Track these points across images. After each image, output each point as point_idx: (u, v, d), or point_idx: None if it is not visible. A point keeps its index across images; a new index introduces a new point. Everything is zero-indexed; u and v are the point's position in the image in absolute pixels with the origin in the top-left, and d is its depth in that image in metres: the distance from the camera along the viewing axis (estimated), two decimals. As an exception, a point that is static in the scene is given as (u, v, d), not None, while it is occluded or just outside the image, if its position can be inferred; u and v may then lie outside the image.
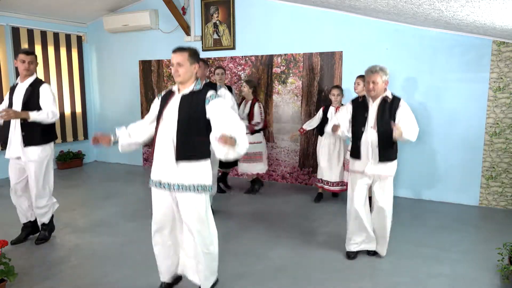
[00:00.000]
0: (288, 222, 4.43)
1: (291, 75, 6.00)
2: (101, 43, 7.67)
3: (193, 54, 2.58)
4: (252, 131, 5.09)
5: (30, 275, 3.19)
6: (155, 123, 2.72)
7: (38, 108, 3.57)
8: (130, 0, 6.95)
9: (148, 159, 7.42)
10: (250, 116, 5.16)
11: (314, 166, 5.65)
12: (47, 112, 3.55)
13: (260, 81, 6.23)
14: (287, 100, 6.09)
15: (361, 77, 4.52)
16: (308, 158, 6.01)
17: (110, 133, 2.81)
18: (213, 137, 2.43)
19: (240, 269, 3.29)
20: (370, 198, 3.56)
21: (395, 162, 3.39)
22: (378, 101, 3.32)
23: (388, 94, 3.33)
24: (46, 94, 3.62)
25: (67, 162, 7.20)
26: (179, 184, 2.55)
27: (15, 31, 6.49)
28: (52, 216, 3.91)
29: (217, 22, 6.42)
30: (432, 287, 3.05)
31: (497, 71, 4.83)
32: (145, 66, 7.24)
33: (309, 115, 5.79)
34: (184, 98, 2.57)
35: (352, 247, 3.54)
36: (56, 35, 7.13)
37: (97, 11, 7.14)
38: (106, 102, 7.80)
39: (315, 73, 5.84)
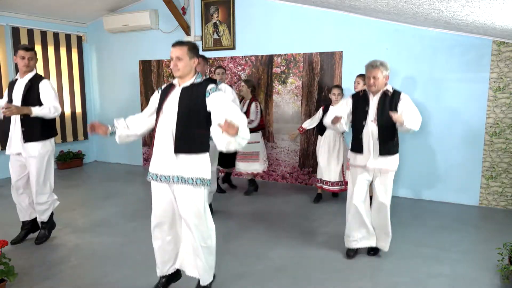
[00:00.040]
0: (288, 222, 4.43)
1: (291, 75, 6.00)
2: (101, 43, 7.67)
3: (193, 48, 2.58)
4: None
5: (30, 275, 3.19)
6: (154, 116, 2.73)
7: (37, 103, 3.56)
8: (130, 0, 6.95)
9: (148, 159, 7.42)
10: (246, 114, 5.17)
11: (314, 166, 5.65)
12: (49, 107, 3.55)
13: (260, 81, 6.23)
14: (287, 100, 6.09)
15: (361, 76, 4.52)
16: (308, 158, 6.01)
17: (108, 124, 2.81)
18: (216, 124, 2.40)
19: (240, 269, 3.29)
20: (370, 197, 3.56)
21: (396, 156, 3.38)
22: (378, 95, 3.33)
23: (389, 88, 3.33)
24: (47, 89, 3.62)
25: (67, 162, 7.20)
26: (178, 176, 2.55)
27: (15, 31, 6.49)
28: (52, 214, 3.90)
29: (217, 22, 6.42)
30: (432, 287, 3.04)
31: (497, 71, 4.83)
32: (145, 66, 7.24)
33: (309, 115, 5.79)
34: (184, 90, 2.58)
35: (351, 244, 3.54)
36: (56, 35, 7.13)
37: (97, 11, 7.15)
38: (106, 102, 7.80)
39: (315, 73, 5.84)
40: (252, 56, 6.24)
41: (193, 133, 2.54)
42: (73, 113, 7.52)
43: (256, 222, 4.41)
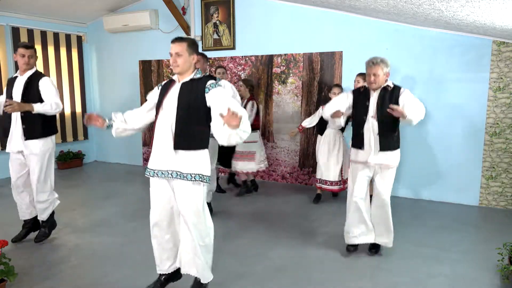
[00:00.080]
0: (288, 222, 4.43)
1: (291, 75, 6.00)
2: (101, 43, 7.67)
3: (192, 45, 2.58)
4: None
5: (30, 275, 3.18)
6: (152, 112, 2.72)
7: (37, 100, 3.56)
8: (130, 0, 6.95)
9: (148, 159, 7.42)
10: None
11: (314, 166, 5.64)
12: (50, 103, 3.55)
13: (260, 81, 6.23)
14: (287, 100, 6.09)
15: (361, 75, 4.52)
16: (308, 158, 6.01)
17: (105, 118, 2.80)
18: (216, 119, 2.39)
19: (240, 269, 3.29)
20: (370, 196, 3.57)
21: (397, 152, 3.38)
22: (379, 90, 3.34)
23: (389, 83, 3.34)
24: (48, 86, 3.61)
25: (67, 162, 7.20)
26: (177, 172, 2.54)
27: (15, 31, 6.49)
28: (53, 213, 3.89)
29: (217, 22, 6.42)
30: (432, 287, 3.04)
31: (497, 71, 4.83)
32: (145, 66, 7.24)
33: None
34: (184, 86, 2.57)
35: (351, 240, 3.56)
36: (56, 35, 7.13)
37: (97, 11, 7.15)
38: (106, 102, 7.80)
39: (315, 73, 5.84)
40: (252, 56, 6.24)
41: (192, 129, 2.53)
42: (73, 113, 7.52)
43: (256, 222, 4.41)
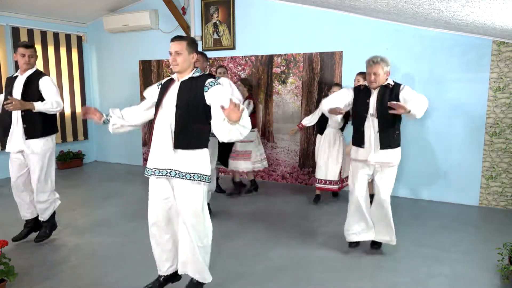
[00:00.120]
0: (288, 222, 4.43)
1: (291, 75, 6.00)
2: (101, 43, 7.67)
3: (192, 43, 2.58)
4: None
5: (30, 275, 3.18)
6: (150, 111, 2.72)
7: (37, 99, 3.55)
8: (130, 0, 6.95)
9: (148, 158, 7.41)
10: None
11: (314, 166, 5.63)
12: (51, 102, 3.53)
13: (260, 81, 6.23)
14: (287, 100, 6.09)
15: (361, 73, 4.52)
16: (308, 158, 6.01)
17: (103, 113, 2.80)
18: (215, 118, 2.38)
19: (240, 269, 3.29)
20: (371, 196, 3.57)
21: (398, 150, 3.38)
22: (379, 88, 3.33)
23: (390, 82, 3.34)
24: (48, 85, 3.60)
25: (67, 162, 7.20)
26: (176, 171, 2.54)
27: (15, 31, 6.49)
28: (54, 213, 3.88)
29: (217, 22, 6.42)
30: (432, 287, 3.04)
31: (497, 71, 4.83)
32: (145, 66, 7.24)
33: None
34: (183, 84, 2.57)
35: (351, 237, 3.60)
36: (56, 35, 7.13)
37: (97, 11, 7.15)
38: (106, 102, 7.80)
39: (315, 73, 5.84)
40: (252, 56, 6.24)
41: (192, 127, 2.53)
42: (73, 113, 7.52)
43: (256, 222, 4.41)
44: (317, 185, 5.03)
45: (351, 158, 3.58)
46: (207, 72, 3.95)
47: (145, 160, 7.45)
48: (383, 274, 3.24)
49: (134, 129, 2.90)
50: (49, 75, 3.79)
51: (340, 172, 4.99)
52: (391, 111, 3.08)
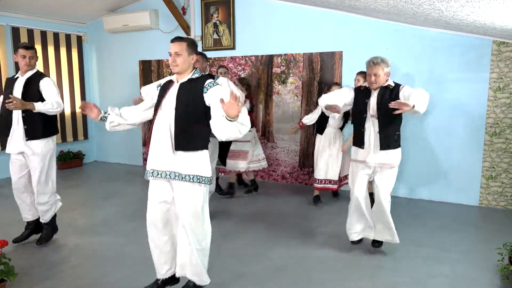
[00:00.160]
0: (288, 222, 4.43)
1: (291, 75, 6.00)
2: (101, 43, 7.67)
3: (191, 45, 2.57)
4: None
5: (30, 275, 3.18)
6: (149, 111, 2.71)
7: (37, 100, 3.54)
8: (130, 0, 6.95)
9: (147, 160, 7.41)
10: None
11: (313, 166, 5.64)
12: (51, 102, 3.52)
13: (260, 81, 6.24)
14: (287, 100, 6.09)
15: (361, 73, 4.52)
16: (308, 158, 6.00)
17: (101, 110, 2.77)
18: (217, 111, 2.35)
19: (240, 269, 3.29)
20: (371, 194, 3.58)
21: (398, 151, 3.38)
22: (379, 89, 3.33)
23: (390, 83, 3.33)
24: (49, 86, 3.59)
25: (67, 162, 7.20)
26: (175, 173, 2.53)
27: (15, 31, 6.49)
28: (55, 216, 3.87)
29: (217, 22, 6.42)
30: (432, 287, 3.05)
31: (497, 71, 4.83)
32: (145, 66, 7.24)
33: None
34: (182, 86, 2.56)
35: (353, 236, 3.64)
36: (56, 35, 7.13)
37: (97, 11, 7.15)
38: (106, 102, 7.79)
39: (315, 73, 5.84)
40: (252, 56, 6.24)
41: (191, 129, 2.51)
42: (73, 113, 7.52)
43: (256, 222, 4.41)
44: (317, 185, 5.01)
45: (351, 158, 3.59)
46: (207, 73, 3.93)
47: (145, 160, 7.45)
48: (383, 274, 3.24)
49: (132, 128, 2.86)
50: (49, 76, 3.78)
51: (343, 170, 5.01)
52: (395, 112, 3.03)
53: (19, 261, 3.35)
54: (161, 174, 2.58)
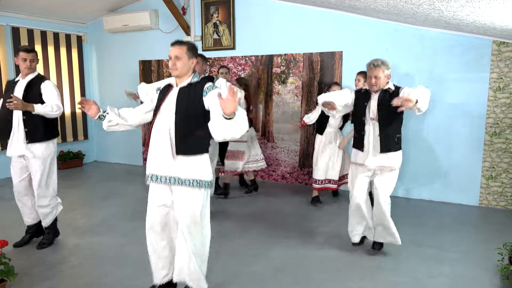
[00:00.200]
0: (288, 222, 4.43)
1: (291, 75, 6.01)
2: (101, 43, 7.67)
3: (192, 48, 2.56)
4: None
5: (30, 275, 3.18)
6: (149, 114, 2.70)
7: (38, 102, 3.53)
8: (130, 0, 6.95)
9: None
10: None
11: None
12: (51, 105, 3.52)
13: (260, 81, 6.24)
14: (287, 100, 6.09)
15: (361, 73, 4.52)
16: (308, 158, 6.00)
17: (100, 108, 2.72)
18: (216, 113, 2.34)
19: (240, 269, 3.29)
20: (370, 193, 3.57)
21: (398, 154, 3.36)
22: (379, 92, 3.33)
23: (391, 86, 3.33)
24: (49, 89, 3.58)
25: (67, 162, 7.20)
26: (175, 178, 2.52)
27: (15, 31, 6.49)
28: (56, 220, 3.86)
29: (217, 22, 6.42)
30: (432, 287, 3.05)
31: (497, 71, 4.83)
32: (145, 66, 7.24)
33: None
34: (182, 91, 2.55)
35: (355, 238, 3.64)
36: (56, 35, 7.14)
37: (97, 11, 7.15)
38: (106, 102, 7.79)
39: (315, 73, 5.84)
40: (252, 56, 6.24)
41: (192, 134, 2.50)
42: (73, 113, 7.52)
43: (256, 222, 4.41)
44: (316, 185, 4.99)
45: (351, 161, 3.59)
46: (207, 74, 3.90)
47: (145, 160, 7.45)
48: (383, 274, 3.24)
49: (129, 129, 2.82)
50: (49, 79, 3.77)
51: (343, 168, 5.02)
52: (399, 110, 3.01)
53: (19, 261, 3.35)
54: (160, 179, 2.57)
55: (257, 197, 5.43)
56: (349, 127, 4.90)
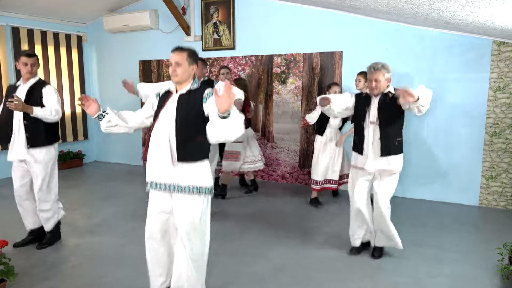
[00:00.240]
0: (288, 222, 4.43)
1: (291, 75, 6.01)
2: (101, 43, 7.67)
3: (192, 55, 2.55)
4: None
5: (30, 275, 3.19)
6: (149, 120, 2.68)
7: (39, 107, 3.54)
8: (130, 0, 6.95)
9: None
10: None
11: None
12: (50, 109, 3.52)
13: (260, 81, 6.24)
14: (287, 100, 6.09)
15: (362, 73, 4.52)
16: (308, 158, 6.00)
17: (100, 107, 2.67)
18: (214, 115, 2.31)
19: (239, 269, 3.29)
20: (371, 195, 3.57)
21: (399, 157, 3.34)
22: (380, 96, 3.32)
23: (391, 89, 3.33)
24: (50, 93, 3.59)
25: (67, 162, 7.20)
26: (175, 185, 2.51)
27: (15, 31, 6.49)
28: (59, 224, 3.86)
29: (217, 22, 6.42)
30: (432, 287, 3.05)
31: (497, 71, 4.83)
32: (145, 66, 7.24)
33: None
34: (181, 98, 2.53)
35: (356, 242, 3.59)
36: (56, 35, 7.14)
37: (97, 11, 7.15)
38: (106, 102, 7.78)
39: (315, 73, 5.84)
40: (252, 56, 6.24)
41: (192, 141, 2.48)
42: (73, 113, 7.52)
43: (256, 222, 4.41)
44: (315, 186, 4.97)
45: (351, 164, 3.58)
46: (206, 77, 3.89)
47: (145, 160, 7.44)
48: (383, 274, 3.24)
49: (127, 132, 2.77)
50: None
51: (344, 167, 5.02)
52: (400, 101, 2.96)
53: (19, 261, 3.35)
54: (160, 187, 2.55)
55: (257, 197, 5.43)
56: (349, 127, 4.90)
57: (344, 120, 4.91)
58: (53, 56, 7.10)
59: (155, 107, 2.66)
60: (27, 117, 3.49)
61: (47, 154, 3.63)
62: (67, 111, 7.39)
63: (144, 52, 7.19)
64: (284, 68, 6.04)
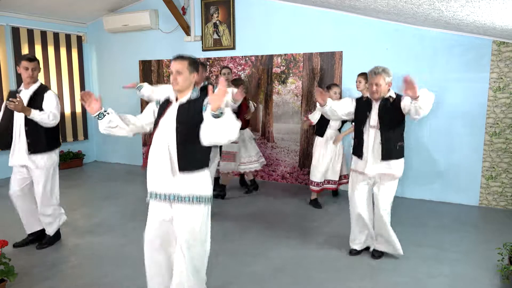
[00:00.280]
0: (288, 222, 4.43)
1: (291, 75, 6.01)
2: (101, 43, 7.67)
3: (193, 63, 2.53)
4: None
5: (30, 275, 3.19)
6: (149, 127, 2.67)
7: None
8: (130, 0, 6.95)
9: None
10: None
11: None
12: (48, 113, 3.51)
13: (260, 81, 6.24)
14: (287, 100, 6.09)
15: (362, 74, 4.51)
16: (308, 158, 6.00)
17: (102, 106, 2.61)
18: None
19: (240, 269, 3.29)
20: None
21: (400, 162, 3.34)
22: (380, 100, 3.32)
23: (392, 94, 3.32)
24: (50, 98, 3.58)
25: (67, 162, 7.21)
26: (175, 195, 2.49)
27: (15, 31, 6.49)
28: (59, 230, 3.86)
29: (217, 22, 6.42)
30: (432, 287, 3.05)
31: (497, 71, 4.83)
32: (145, 66, 7.25)
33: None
34: (181, 107, 2.51)
35: (356, 246, 3.58)
36: (56, 35, 7.14)
37: (97, 11, 7.15)
38: (106, 102, 7.68)
39: (315, 73, 5.84)
40: (252, 56, 6.24)
41: (193, 150, 2.46)
42: (73, 113, 7.53)
43: (256, 222, 4.41)
44: (314, 187, 4.95)
45: (351, 168, 3.57)
46: (206, 82, 3.88)
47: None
48: (383, 274, 3.24)
49: (125, 135, 2.71)
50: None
51: (344, 167, 5.02)
52: (406, 90, 2.90)
53: (19, 261, 3.35)
54: (160, 197, 2.53)
55: (257, 197, 5.43)
56: (348, 127, 4.90)
57: (344, 121, 4.91)
58: (53, 56, 7.10)
59: (155, 115, 2.64)
60: (28, 122, 3.48)
61: (48, 160, 3.63)
62: (67, 111, 7.39)
63: (144, 52, 7.19)
64: (284, 68, 6.04)
